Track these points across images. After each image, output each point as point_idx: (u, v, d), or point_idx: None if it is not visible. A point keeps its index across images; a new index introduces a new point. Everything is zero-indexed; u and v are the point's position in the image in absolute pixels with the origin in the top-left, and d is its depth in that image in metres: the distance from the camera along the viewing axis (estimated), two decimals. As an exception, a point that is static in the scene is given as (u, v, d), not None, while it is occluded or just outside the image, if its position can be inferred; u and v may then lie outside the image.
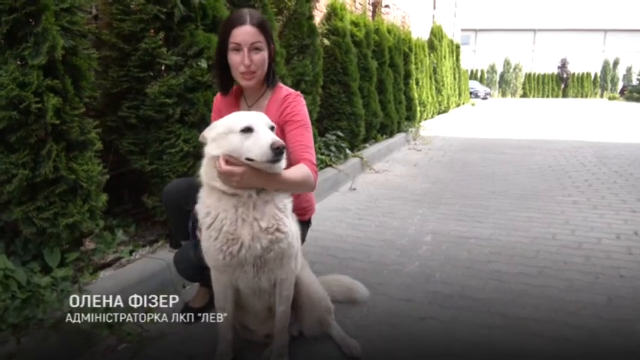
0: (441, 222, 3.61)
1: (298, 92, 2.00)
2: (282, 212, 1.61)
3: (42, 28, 1.87)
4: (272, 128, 1.55)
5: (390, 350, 1.87)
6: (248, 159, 1.49)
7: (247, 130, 1.49)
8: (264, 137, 1.47)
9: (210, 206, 1.58)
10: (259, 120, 1.53)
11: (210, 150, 1.56)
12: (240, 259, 1.58)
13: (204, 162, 1.60)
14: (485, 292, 2.39)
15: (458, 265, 2.74)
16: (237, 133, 1.50)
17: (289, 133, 1.88)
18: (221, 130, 1.55)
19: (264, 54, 1.84)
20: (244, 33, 1.78)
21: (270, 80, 1.93)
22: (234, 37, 1.80)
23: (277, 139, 1.48)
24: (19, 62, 1.91)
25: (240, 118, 1.54)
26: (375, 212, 3.91)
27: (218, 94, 2.06)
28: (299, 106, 1.93)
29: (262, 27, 1.82)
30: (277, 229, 1.57)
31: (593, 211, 3.89)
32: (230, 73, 1.89)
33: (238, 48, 1.80)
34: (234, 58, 1.82)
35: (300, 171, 1.73)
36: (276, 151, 1.45)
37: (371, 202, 4.27)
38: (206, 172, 1.59)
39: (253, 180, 1.53)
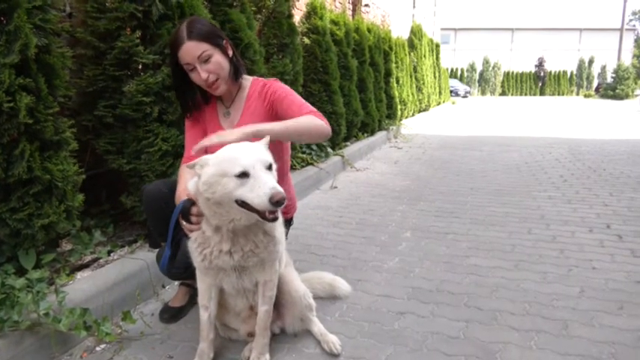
0: (420, 218, 3.66)
1: (274, 79, 2.01)
2: (262, 240, 1.61)
3: (14, 26, 1.82)
4: (269, 167, 1.44)
5: (369, 346, 1.89)
6: (241, 202, 1.41)
7: (243, 175, 1.39)
8: (263, 186, 1.36)
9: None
10: (255, 160, 1.41)
11: (202, 191, 1.47)
12: (221, 266, 1.62)
13: (193, 183, 1.55)
14: (462, 286, 2.44)
15: (437, 261, 2.79)
16: (231, 177, 1.39)
17: (281, 107, 1.88)
18: (214, 172, 1.42)
19: (217, 57, 1.81)
20: (187, 51, 1.76)
21: (237, 74, 1.91)
22: (182, 59, 1.79)
23: (278, 189, 1.35)
24: (-11, 61, 1.87)
25: (234, 160, 1.41)
26: (355, 210, 3.94)
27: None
28: (276, 85, 1.95)
29: (201, 35, 1.77)
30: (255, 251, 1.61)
31: (568, 205, 3.99)
32: (191, 92, 1.91)
33: (191, 67, 1.79)
34: (194, 77, 1.83)
35: (303, 119, 1.76)
36: (276, 205, 1.35)
37: (352, 199, 4.30)
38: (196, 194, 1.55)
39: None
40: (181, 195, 1.71)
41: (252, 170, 1.39)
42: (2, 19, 1.86)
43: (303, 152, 5.00)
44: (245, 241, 1.58)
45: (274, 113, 1.91)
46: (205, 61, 1.78)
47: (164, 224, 1.92)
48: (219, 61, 1.81)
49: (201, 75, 1.78)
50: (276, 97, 1.90)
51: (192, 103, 1.95)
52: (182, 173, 1.91)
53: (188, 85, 1.89)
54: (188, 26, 1.78)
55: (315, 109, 1.85)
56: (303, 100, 1.90)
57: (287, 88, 1.96)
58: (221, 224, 1.53)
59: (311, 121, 1.76)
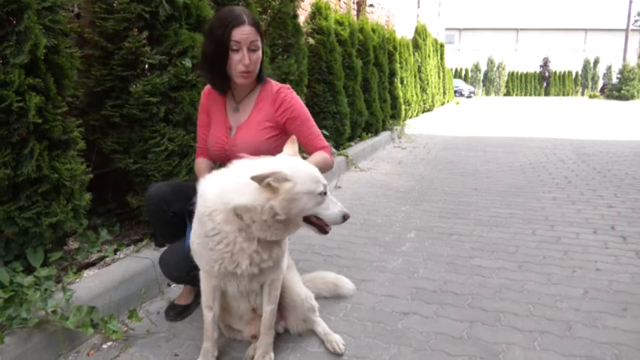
0: (424, 219, 3.67)
1: (287, 85, 2.06)
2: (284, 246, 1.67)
3: (24, 27, 1.85)
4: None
5: (373, 346, 1.90)
6: (305, 218, 1.50)
7: (324, 193, 1.52)
8: (336, 205, 1.54)
9: (217, 221, 1.51)
10: (323, 179, 1.54)
11: (279, 207, 1.43)
12: (246, 274, 1.60)
13: (252, 196, 1.43)
14: (466, 286, 2.45)
15: (440, 261, 2.79)
16: (315, 195, 1.48)
17: (296, 129, 1.96)
18: (301, 190, 1.43)
19: (260, 53, 1.90)
20: (245, 32, 1.82)
21: (260, 76, 1.98)
22: (235, 36, 1.82)
23: (345, 209, 1.56)
24: (0, 61, 1.90)
25: (316, 178, 1.50)
26: (359, 210, 3.95)
27: (206, 90, 2.07)
28: (294, 100, 2.00)
29: (258, 26, 1.88)
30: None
31: (572, 206, 3.99)
32: (223, 72, 1.90)
33: (238, 47, 1.83)
34: (233, 57, 1.85)
35: (320, 156, 1.93)
36: (344, 221, 1.56)
37: (356, 199, 4.31)
38: (244, 208, 1.44)
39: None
40: None
41: (326, 188, 1.53)
42: (12, 19, 1.88)
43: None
44: (263, 249, 1.58)
45: (285, 129, 1.97)
46: (253, 50, 1.86)
47: (166, 226, 1.99)
48: (259, 56, 1.91)
49: (245, 60, 1.83)
50: (293, 115, 1.96)
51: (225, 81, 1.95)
52: (200, 168, 2.01)
53: (222, 66, 1.88)
54: (245, 12, 1.86)
55: (327, 145, 2.01)
56: (316, 129, 2.04)
57: (303, 107, 2.02)
58: (268, 237, 1.51)
59: (326, 160, 1.95)
